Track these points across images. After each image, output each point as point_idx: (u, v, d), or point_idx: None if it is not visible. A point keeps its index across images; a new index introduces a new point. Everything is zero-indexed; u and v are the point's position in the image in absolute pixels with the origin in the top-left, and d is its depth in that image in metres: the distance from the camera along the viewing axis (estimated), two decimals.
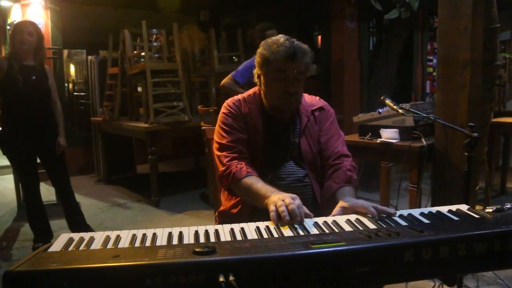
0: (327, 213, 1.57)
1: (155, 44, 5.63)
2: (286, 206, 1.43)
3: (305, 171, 1.90)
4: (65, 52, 9.49)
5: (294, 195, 1.51)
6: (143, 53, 5.26)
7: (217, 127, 1.94)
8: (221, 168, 1.82)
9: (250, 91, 2.00)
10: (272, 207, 1.47)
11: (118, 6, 7.70)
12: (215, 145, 1.92)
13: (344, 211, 1.55)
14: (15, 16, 6.30)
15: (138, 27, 5.15)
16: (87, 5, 7.42)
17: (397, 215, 1.47)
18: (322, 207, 1.82)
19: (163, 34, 5.50)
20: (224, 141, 1.86)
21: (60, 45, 6.49)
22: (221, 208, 1.99)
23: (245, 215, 1.81)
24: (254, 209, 1.74)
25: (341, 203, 1.59)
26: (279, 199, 1.48)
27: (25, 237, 4.03)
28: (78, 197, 5.37)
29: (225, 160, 1.82)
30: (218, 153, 1.87)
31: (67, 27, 6.75)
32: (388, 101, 2.56)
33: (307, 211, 1.48)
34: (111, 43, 6.09)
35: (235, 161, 1.80)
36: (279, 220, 1.42)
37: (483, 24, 2.80)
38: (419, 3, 4.48)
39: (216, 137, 1.92)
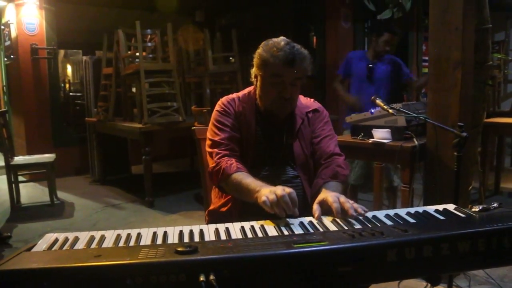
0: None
1: (149, 44, 5.62)
2: (278, 198, 1.43)
3: (296, 173, 1.91)
4: (62, 52, 9.49)
5: (283, 187, 1.50)
6: (137, 54, 5.25)
7: (210, 124, 1.93)
8: (211, 165, 1.82)
9: (245, 90, 2.00)
10: (263, 198, 1.46)
11: (113, 6, 7.68)
12: (207, 142, 1.91)
13: (321, 206, 1.54)
14: (9, 16, 6.29)
15: (133, 28, 5.14)
16: (82, 5, 7.40)
17: (371, 215, 1.46)
18: (311, 205, 1.82)
19: (157, 35, 5.49)
20: (216, 138, 1.86)
21: (55, 45, 6.48)
22: (211, 207, 1.99)
23: (234, 213, 1.81)
24: (244, 208, 1.74)
25: (317, 199, 1.58)
26: (270, 192, 1.47)
27: (17, 238, 4.02)
28: (73, 198, 5.41)
29: (216, 157, 1.81)
30: (210, 149, 1.87)
31: (62, 27, 6.74)
32: (378, 101, 2.57)
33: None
34: (106, 43, 6.08)
35: (226, 157, 1.80)
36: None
37: (474, 24, 2.81)
38: (412, 3, 4.50)
39: (208, 134, 1.92)
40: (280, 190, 1.46)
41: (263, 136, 1.90)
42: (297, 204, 1.44)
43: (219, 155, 1.81)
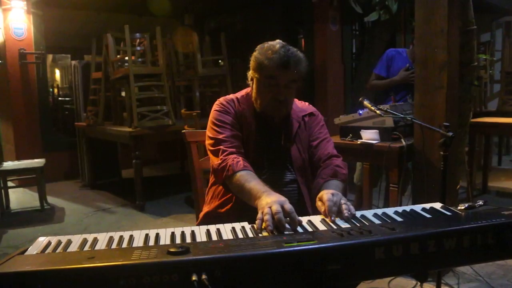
0: (317, 211, 1.57)
1: (138, 48, 5.62)
2: (273, 215, 1.37)
3: (294, 176, 1.92)
4: (50, 57, 9.44)
5: (283, 200, 1.46)
6: (126, 58, 5.25)
7: (210, 124, 1.91)
8: (217, 162, 1.79)
9: (243, 92, 1.99)
10: (259, 214, 1.43)
11: (102, 10, 7.67)
12: (208, 141, 1.88)
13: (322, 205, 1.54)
14: None
15: (122, 32, 5.15)
16: (70, 10, 7.38)
17: (359, 214, 1.48)
18: (313, 207, 1.81)
19: (146, 39, 5.50)
20: (220, 136, 1.84)
21: (43, 49, 6.46)
22: (206, 209, 1.95)
23: (233, 214, 1.78)
24: (243, 209, 1.71)
25: (317, 197, 1.58)
26: (266, 205, 1.43)
27: (7, 243, 4.00)
28: (63, 203, 5.39)
29: (222, 154, 1.78)
30: (213, 148, 1.84)
31: (50, 32, 6.72)
32: (366, 102, 2.60)
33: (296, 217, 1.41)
34: (95, 47, 6.07)
35: (233, 155, 1.78)
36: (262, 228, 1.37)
37: (459, 26, 2.86)
38: (399, 5, 4.56)
39: (209, 133, 1.89)
40: (277, 206, 1.40)
41: (262, 138, 1.91)
42: (296, 224, 1.38)
43: (226, 152, 1.78)
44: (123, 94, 5.75)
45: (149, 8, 7.07)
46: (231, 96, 1.99)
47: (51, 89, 9.39)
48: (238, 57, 7.09)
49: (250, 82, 1.92)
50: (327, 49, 6.33)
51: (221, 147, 1.81)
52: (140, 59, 5.63)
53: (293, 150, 1.93)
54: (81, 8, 7.43)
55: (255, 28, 7.57)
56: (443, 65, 2.78)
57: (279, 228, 1.35)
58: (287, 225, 1.37)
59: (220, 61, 6.74)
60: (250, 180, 1.67)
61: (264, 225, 1.37)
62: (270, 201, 1.46)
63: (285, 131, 1.94)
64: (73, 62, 6.56)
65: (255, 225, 1.40)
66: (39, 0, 6.35)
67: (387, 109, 2.73)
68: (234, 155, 1.78)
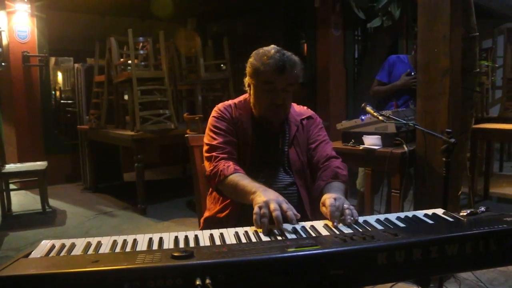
0: (318, 212, 1.58)
1: (141, 52, 5.64)
2: (271, 212, 1.42)
3: (293, 179, 1.93)
4: (53, 59, 9.47)
5: (280, 198, 1.49)
6: (129, 61, 5.27)
7: (207, 131, 1.94)
8: (209, 168, 1.82)
9: (241, 98, 2.02)
10: (256, 209, 1.45)
11: (105, 14, 7.71)
12: (204, 148, 1.92)
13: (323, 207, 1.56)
14: (1, 24, 6.28)
15: (125, 35, 5.17)
16: (74, 13, 7.43)
17: (362, 220, 1.49)
18: (312, 210, 1.86)
19: (149, 42, 5.52)
20: (214, 142, 1.87)
21: (47, 52, 6.48)
22: (207, 214, 1.98)
23: (232, 219, 1.80)
24: (242, 213, 1.73)
25: (321, 202, 1.59)
26: (263, 202, 1.47)
27: (9, 246, 4.00)
28: (64, 206, 5.40)
29: (214, 161, 1.82)
30: (207, 154, 1.87)
31: (54, 35, 6.75)
32: (368, 108, 2.61)
33: (294, 211, 1.46)
34: (98, 51, 6.09)
35: (223, 160, 1.81)
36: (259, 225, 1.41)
37: (461, 32, 2.87)
38: (401, 11, 4.57)
39: (205, 139, 1.93)
40: (274, 204, 1.44)
41: (260, 143, 1.93)
42: (294, 221, 1.42)
43: (217, 159, 1.82)
44: (125, 97, 5.76)
45: (149, 12, 7.10)
46: (229, 102, 2.02)
47: (53, 92, 9.41)
48: (241, 62, 7.10)
49: (247, 89, 1.94)
50: (329, 54, 6.35)
51: (213, 153, 1.84)
52: (143, 63, 5.64)
53: (292, 153, 1.94)
54: (85, 11, 7.47)
55: (257, 33, 7.60)
56: (445, 71, 2.79)
57: (277, 226, 1.39)
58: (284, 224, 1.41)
59: (222, 65, 6.76)
60: (243, 180, 1.70)
61: (261, 229, 1.40)
62: (266, 199, 1.48)
63: (283, 134, 1.96)
64: (76, 65, 6.57)
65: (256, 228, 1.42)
66: (43, 3, 6.40)
67: (389, 114, 2.73)
68: (224, 160, 1.81)
